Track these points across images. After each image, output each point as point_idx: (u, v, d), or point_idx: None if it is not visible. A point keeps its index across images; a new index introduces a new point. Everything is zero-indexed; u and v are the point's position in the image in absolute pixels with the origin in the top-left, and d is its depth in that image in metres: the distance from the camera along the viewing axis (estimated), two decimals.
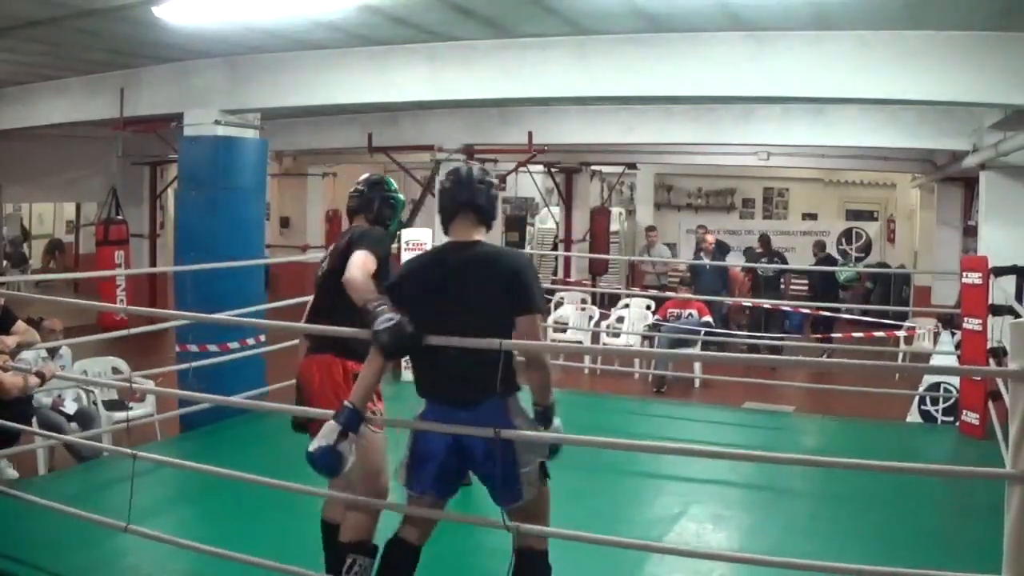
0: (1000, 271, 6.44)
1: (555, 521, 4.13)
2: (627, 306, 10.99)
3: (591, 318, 10.99)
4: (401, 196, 4.07)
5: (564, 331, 10.49)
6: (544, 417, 3.22)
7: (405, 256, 8.02)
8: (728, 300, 11.35)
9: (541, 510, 3.18)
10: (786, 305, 11.53)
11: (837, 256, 14.78)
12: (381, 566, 3.24)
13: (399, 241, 8.28)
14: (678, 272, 13.00)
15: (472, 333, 3.04)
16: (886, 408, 7.91)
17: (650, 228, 14.36)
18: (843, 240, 16.62)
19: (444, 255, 3.28)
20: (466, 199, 3.25)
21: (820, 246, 13.06)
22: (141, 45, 6.48)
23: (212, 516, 4.76)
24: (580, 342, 10.39)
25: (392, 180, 4.03)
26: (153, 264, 13.11)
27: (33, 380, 4.38)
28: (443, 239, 3.41)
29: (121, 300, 11.50)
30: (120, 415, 6.30)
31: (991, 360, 6.18)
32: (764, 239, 12.91)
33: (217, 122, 6.90)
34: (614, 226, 16.00)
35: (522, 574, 3.17)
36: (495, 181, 3.38)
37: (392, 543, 3.24)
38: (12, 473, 4.83)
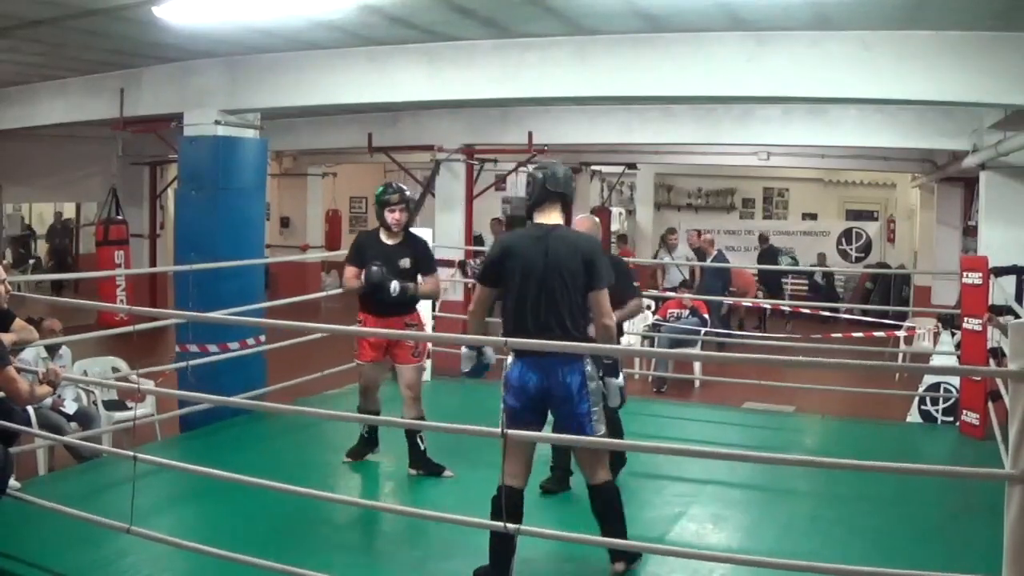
0: (1000, 271, 6.44)
1: (555, 521, 4.14)
2: None
3: None
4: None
5: None
6: (612, 369, 3.94)
7: None
8: (728, 300, 11.35)
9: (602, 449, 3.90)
10: (786, 305, 11.55)
11: (779, 247, 15.36)
12: (501, 510, 3.60)
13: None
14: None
15: (560, 299, 3.73)
16: (886, 408, 7.91)
17: (671, 230, 14.17)
18: (843, 240, 16.63)
19: (540, 233, 3.84)
20: (559, 190, 3.87)
21: (762, 238, 13.40)
22: (141, 45, 6.48)
23: (212, 516, 4.75)
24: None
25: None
26: (153, 264, 13.10)
27: (46, 390, 4.36)
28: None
29: (121, 300, 11.49)
30: (121, 415, 6.31)
31: (991, 360, 6.18)
32: (763, 238, 13.01)
33: (217, 122, 6.89)
34: (614, 226, 16.00)
35: (601, 501, 3.90)
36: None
37: (505, 492, 3.59)
38: (14, 483, 4.83)
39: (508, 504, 3.51)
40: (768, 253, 14.75)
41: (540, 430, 3.89)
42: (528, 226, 3.92)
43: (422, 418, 5.30)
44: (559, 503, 5.00)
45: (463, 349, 3.99)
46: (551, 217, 3.87)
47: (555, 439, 4.28)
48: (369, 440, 5.73)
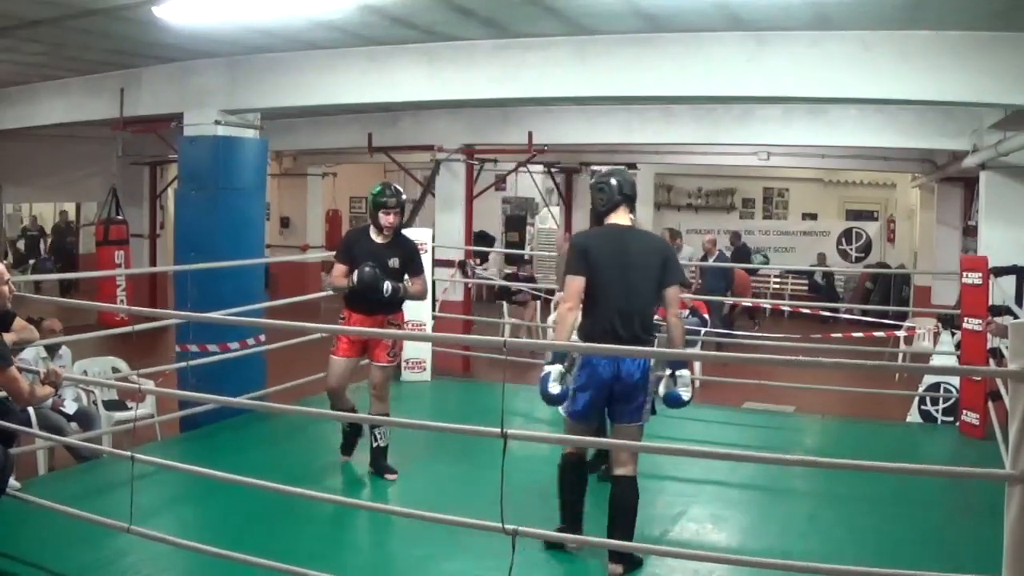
0: (1000, 271, 6.44)
1: (554, 521, 4.14)
2: None
3: None
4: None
5: None
6: (680, 362, 4.19)
7: None
8: (729, 300, 11.35)
9: (641, 435, 4.18)
10: (785, 305, 11.54)
11: (751, 247, 15.59)
12: (568, 477, 4.25)
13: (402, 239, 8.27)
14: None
15: (640, 291, 4.08)
16: (886, 408, 7.91)
17: (675, 233, 14.11)
18: (843, 240, 16.64)
19: (619, 233, 4.19)
20: (630, 193, 4.24)
21: (735, 236, 13.68)
22: (141, 45, 6.47)
23: (212, 516, 4.75)
24: None
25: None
26: (153, 264, 13.11)
27: (47, 391, 4.36)
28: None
29: (121, 300, 11.50)
30: (121, 415, 6.31)
31: (991, 360, 6.18)
32: (735, 236, 13.11)
33: (217, 122, 6.89)
34: None
35: (620, 493, 4.07)
36: None
37: (570, 460, 4.24)
38: (14, 483, 4.83)
39: (575, 470, 4.21)
40: (741, 252, 14.77)
41: (602, 415, 4.21)
42: (605, 226, 4.23)
43: (386, 415, 5.39)
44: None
45: (546, 369, 3.99)
46: (623, 218, 4.22)
47: (555, 439, 4.43)
48: (352, 432, 5.70)
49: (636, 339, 4.03)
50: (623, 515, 4.04)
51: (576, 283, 4.06)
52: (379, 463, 5.44)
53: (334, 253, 5.57)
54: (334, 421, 6.34)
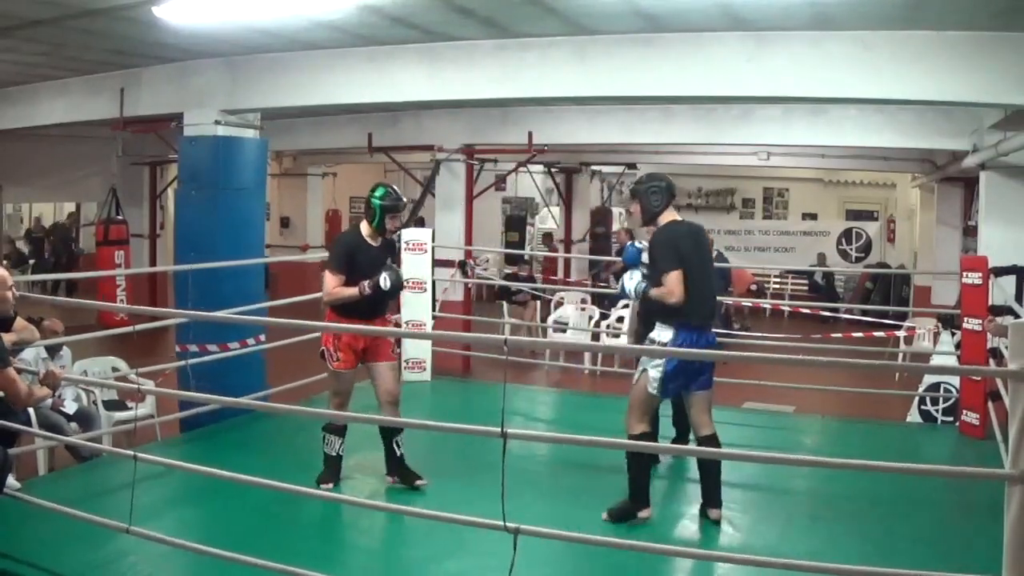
0: (1000, 271, 6.44)
1: (554, 521, 4.14)
2: (627, 306, 10.98)
3: (591, 318, 10.99)
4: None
5: (564, 331, 10.49)
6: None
7: (406, 256, 8.01)
8: (729, 300, 11.35)
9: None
10: (785, 305, 11.54)
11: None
12: (643, 455, 4.74)
13: (399, 241, 8.28)
14: None
15: (713, 275, 4.83)
16: (886, 408, 7.91)
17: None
18: (843, 240, 16.64)
19: (688, 227, 4.75)
20: (675, 194, 4.78)
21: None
22: (141, 45, 6.48)
23: (212, 516, 4.75)
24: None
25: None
26: (153, 264, 13.11)
27: (45, 392, 4.36)
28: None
29: (121, 300, 11.49)
30: (121, 415, 6.31)
31: (991, 360, 6.18)
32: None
33: (217, 122, 6.89)
34: (615, 226, 15.99)
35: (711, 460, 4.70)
36: None
37: (646, 435, 4.70)
38: (14, 483, 4.83)
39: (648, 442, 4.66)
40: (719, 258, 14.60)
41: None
42: (672, 223, 4.69)
43: (400, 430, 5.14)
44: (560, 504, 5.00)
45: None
46: (676, 216, 4.74)
47: (555, 439, 4.36)
48: (337, 459, 5.21)
49: (712, 322, 4.76)
50: (712, 468, 4.71)
51: (683, 275, 4.52)
52: (406, 473, 5.18)
53: (328, 263, 5.18)
54: (333, 421, 6.33)
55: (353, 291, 4.99)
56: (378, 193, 5.14)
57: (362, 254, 5.08)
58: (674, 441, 5.86)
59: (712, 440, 4.71)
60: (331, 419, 5.11)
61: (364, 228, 5.17)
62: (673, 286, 4.47)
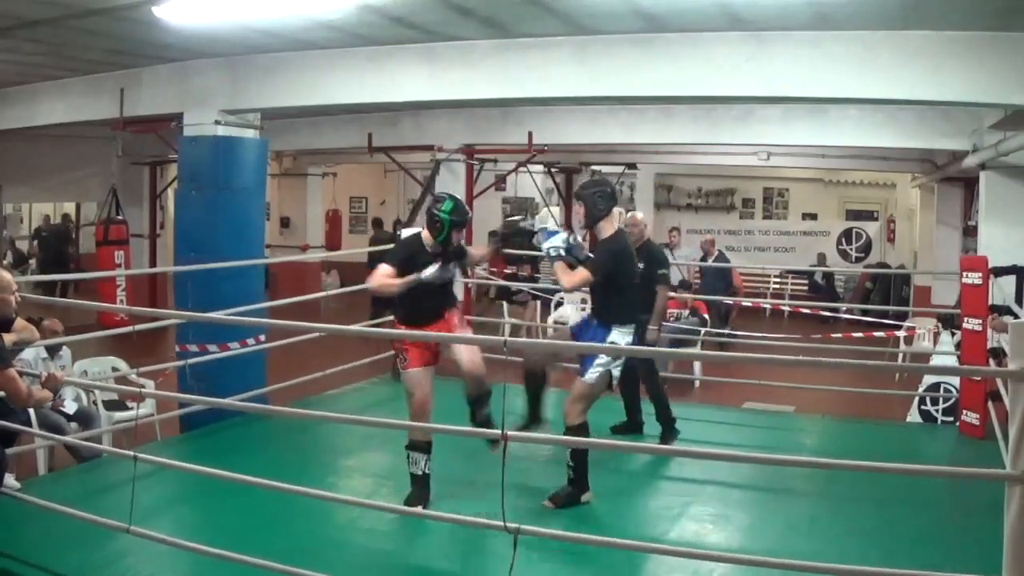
0: (1000, 271, 6.44)
1: (554, 521, 4.14)
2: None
3: None
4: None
5: None
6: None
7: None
8: (729, 300, 11.34)
9: None
10: (785, 305, 11.53)
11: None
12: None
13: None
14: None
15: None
16: (886, 408, 7.91)
17: (672, 229, 14.05)
18: (843, 240, 16.64)
19: (626, 241, 5.18)
20: (617, 198, 5.14)
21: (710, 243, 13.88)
22: (141, 45, 6.48)
23: (212, 516, 4.75)
24: None
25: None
26: (153, 264, 13.11)
27: (45, 394, 4.36)
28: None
29: (121, 300, 11.49)
30: (121, 415, 6.31)
31: (991, 360, 6.18)
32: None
33: (217, 122, 6.89)
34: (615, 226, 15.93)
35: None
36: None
37: (586, 427, 4.89)
38: (14, 483, 4.83)
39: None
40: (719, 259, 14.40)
41: None
42: (619, 232, 5.11)
43: (489, 394, 5.02)
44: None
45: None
46: (615, 224, 5.06)
47: (553, 440, 4.55)
48: (425, 478, 4.92)
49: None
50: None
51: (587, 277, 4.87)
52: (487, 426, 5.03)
53: (387, 256, 5.05)
54: (334, 422, 6.34)
55: (394, 281, 4.81)
56: (446, 207, 4.86)
57: (424, 258, 4.86)
58: (624, 426, 6.37)
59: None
60: (413, 436, 4.90)
61: (426, 237, 4.96)
62: (577, 280, 4.85)
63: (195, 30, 5.78)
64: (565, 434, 4.78)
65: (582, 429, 4.79)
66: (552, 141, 10.18)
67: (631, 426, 6.39)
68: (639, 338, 5.22)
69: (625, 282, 4.93)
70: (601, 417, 6.29)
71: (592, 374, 4.81)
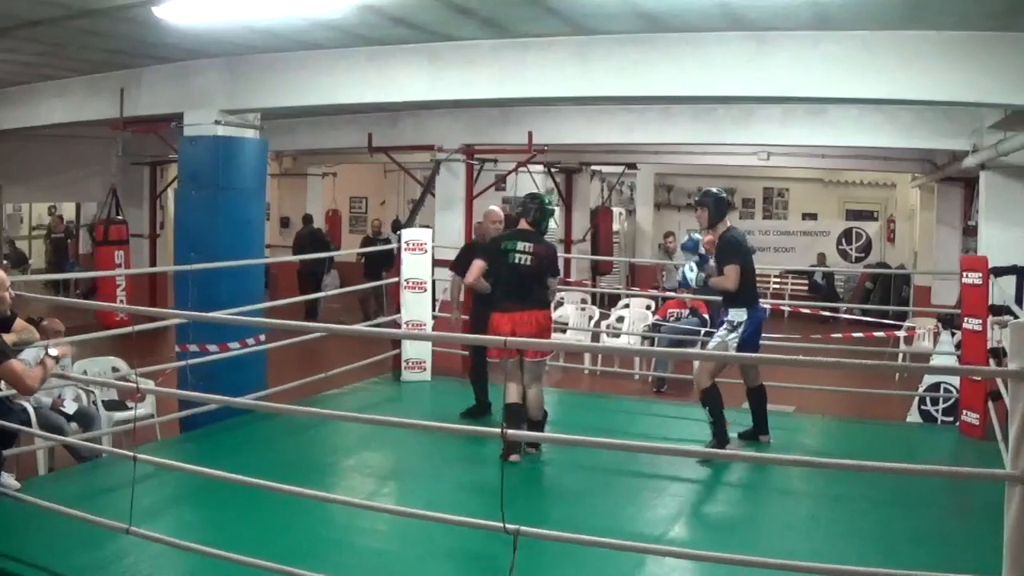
0: (1000, 271, 6.44)
1: (554, 521, 4.14)
2: (627, 306, 11.00)
3: (591, 318, 10.99)
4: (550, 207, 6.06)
5: (564, 331, 10.48)
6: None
7: (406, 256, 8.02)
8: None
9: None
10: (785, 305, 11.53)
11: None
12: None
13: (399, 241, 8.30)
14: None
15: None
16: (886, 408, 7.91)
17: (668, 234, 13.99)
18: (843, 240, 16.64)
19: (741, 232, 6.06)
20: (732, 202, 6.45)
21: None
22: (141, 45, 6.48)
23: (212, 516, 4.75)
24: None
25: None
26: (153, 264, 13.11)
27: (50, 363, 4.39)
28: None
29: (121, 300, 11.47)
30: (121, 415, 6.30)
31: (991, 360, 6.18)
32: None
33: (217, 122, 6.89)
34: (615, 226, 16.00)
35: (756, 400, 6.23)
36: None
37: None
38: (14, 483, 4.83)
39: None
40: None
41: None
42: (733, 227, 5.96)
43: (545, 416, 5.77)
44: (561, 503, 5.00)
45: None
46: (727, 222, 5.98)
47: (554, 439, 4.33)
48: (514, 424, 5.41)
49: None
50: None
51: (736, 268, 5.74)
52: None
53: (474, 250, 6.00)
54: (334, 421, 6.34)
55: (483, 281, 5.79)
56: (546, 199, 6.02)
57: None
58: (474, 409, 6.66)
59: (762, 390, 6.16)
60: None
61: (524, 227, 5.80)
62: (734, 277, 5.69)
63: (195, 30, 5.78)
64: (699, 398, 5.81)
65: (711, 392, 5.75)
66: (552, 141, 10.17)
67: (479, 409, 6.71)
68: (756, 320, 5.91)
69: (751, 266, 5.89)
70: (455, 404, 6.63)
71: (712, 344, 5.94)
